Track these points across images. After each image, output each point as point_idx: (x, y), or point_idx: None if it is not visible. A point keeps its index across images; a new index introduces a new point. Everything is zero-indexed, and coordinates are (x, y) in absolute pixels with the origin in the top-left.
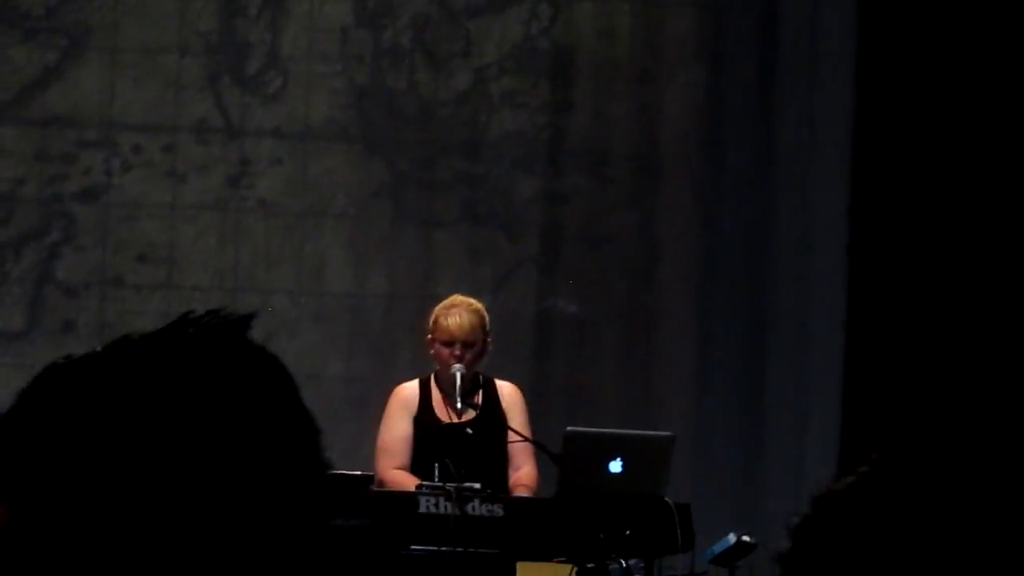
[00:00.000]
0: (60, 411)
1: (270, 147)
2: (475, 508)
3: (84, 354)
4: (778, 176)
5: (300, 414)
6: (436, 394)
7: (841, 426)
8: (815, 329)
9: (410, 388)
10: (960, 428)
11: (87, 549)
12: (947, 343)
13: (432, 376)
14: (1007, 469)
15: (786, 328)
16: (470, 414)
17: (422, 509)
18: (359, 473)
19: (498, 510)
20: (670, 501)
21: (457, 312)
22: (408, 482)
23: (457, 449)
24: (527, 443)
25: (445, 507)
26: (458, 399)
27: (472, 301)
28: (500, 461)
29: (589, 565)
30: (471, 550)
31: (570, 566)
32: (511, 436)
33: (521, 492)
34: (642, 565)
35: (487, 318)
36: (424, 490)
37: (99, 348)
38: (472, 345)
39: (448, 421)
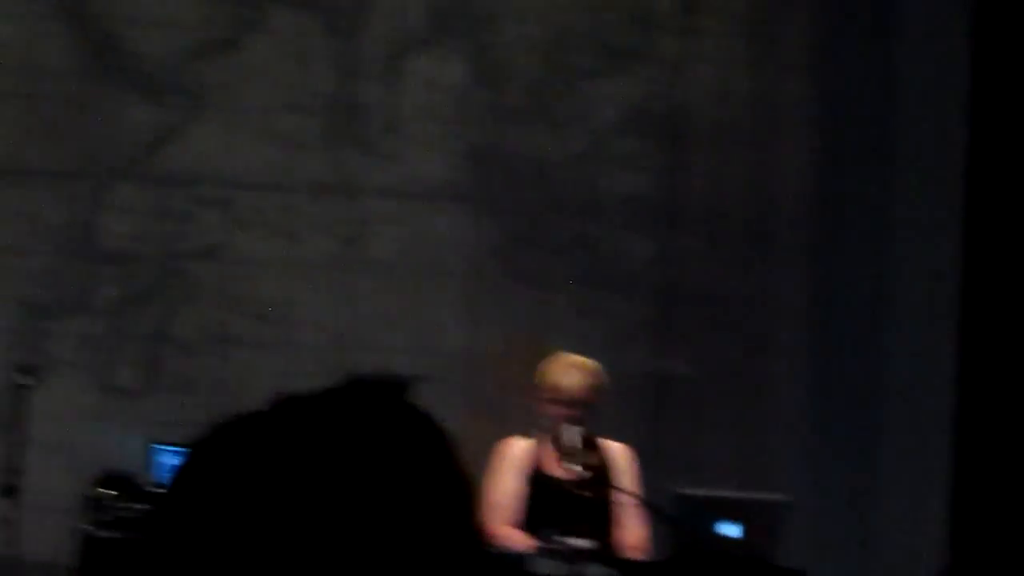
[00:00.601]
0: (229, 468)
1: (386, 207)
2: (589, 569)
3: (251, 411)
4: (893, 240)
5: (456, 477)
6: (547, 452)
7: (952, 492)
8: (929, 395)
9: (520, 444)
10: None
11: None
12: None
13: (543, 433)
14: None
15: (899, 394)
16: (583, 473)
17: (537, 570)
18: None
19: (614, 572)
20: (784, 566)
21: (572, 371)
22: (518, 540)
23: (567, 508)
24: (636, 504)
25: (560, 568)
26: (571, 458)
27: (587, 361)
28: (609, 521)
29: None
30: None
31: None
32: (621, 496)
33: (631, 554)
34: None
35: (604, 378)
36: (539, 550)
37: (265, 406)
38: (587, 405)
39: (559, 479)
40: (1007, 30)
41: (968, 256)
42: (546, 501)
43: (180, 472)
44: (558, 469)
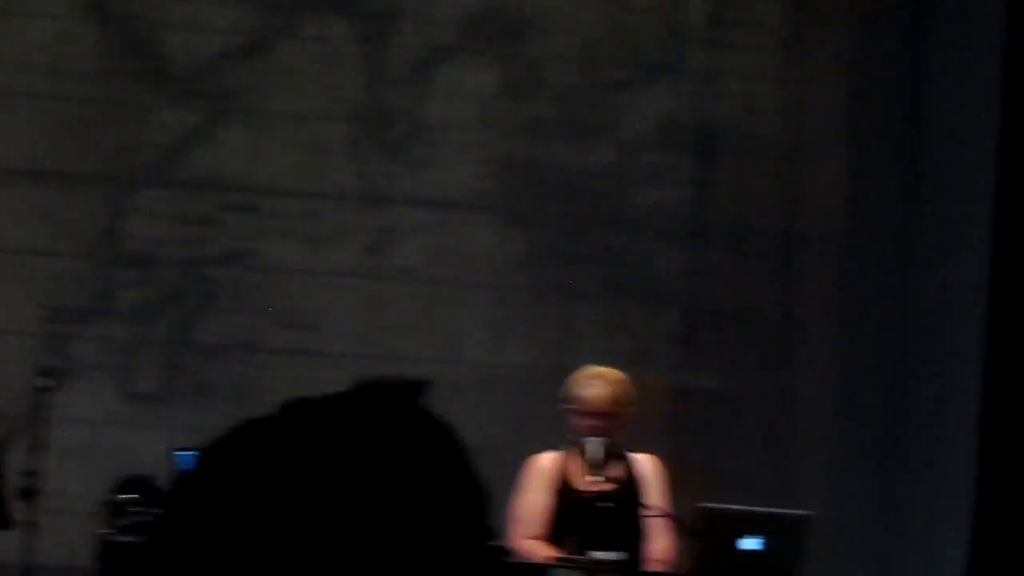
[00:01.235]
0: (240, 472)
1: (412, 215)
2: None
3: (263, 416)
4: (920, 255)
5: (468, 479)
6: (575, 465)
7: (976, 508)
8: (955, 409)
9: (548, 458)
10: None
11: None
12: None
13: (571, 446)
14: None
15: (926, 408)
16: (609, 486)
17: None
18: (494, 544)
19: None
20: None
21: (597, 383)
22: (543, 553)
23: (594, 521)
24: (664, 517)
25: None
26: (595, 470)
27: (615, 372)
28: (637, 534)
29: None
30: None
31: None
32: (648, 509)
33: (656, 567)
34: None
35: (631, 389)
36: (562, 562)
37: (276, 410)
38: (613, 416)
39: (586, 492)
40: None
41: (997, 273)
42: (572, 514)
43: (191, 476)
44: (584, 482)
